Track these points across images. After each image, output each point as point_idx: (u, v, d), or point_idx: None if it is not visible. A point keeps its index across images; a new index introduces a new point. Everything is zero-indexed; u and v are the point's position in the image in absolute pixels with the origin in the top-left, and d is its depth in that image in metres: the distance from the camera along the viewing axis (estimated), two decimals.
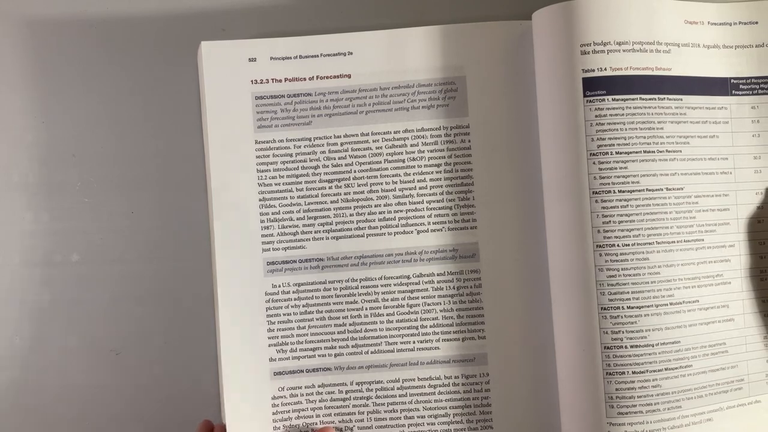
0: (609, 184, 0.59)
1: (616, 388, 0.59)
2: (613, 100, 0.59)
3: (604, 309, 0.59)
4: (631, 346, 0.59)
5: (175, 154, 0.66)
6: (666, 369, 0.59)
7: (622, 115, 0.59)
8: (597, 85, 0.59)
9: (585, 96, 0.59)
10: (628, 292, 0.59)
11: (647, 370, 0.59)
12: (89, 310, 0.65)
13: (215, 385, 0.64)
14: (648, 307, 0.59)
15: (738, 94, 0.62)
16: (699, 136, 0.61)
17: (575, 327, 0.59)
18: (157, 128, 0.66)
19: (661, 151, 0.60)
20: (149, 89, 0.66)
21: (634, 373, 0.59)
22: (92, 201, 0.66)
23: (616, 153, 0.59)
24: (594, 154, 0.59)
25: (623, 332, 0.59)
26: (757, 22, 0.63)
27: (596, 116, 0.59)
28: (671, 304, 0.59)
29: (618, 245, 0.59)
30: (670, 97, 0.60)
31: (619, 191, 0.59)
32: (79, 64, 0.66)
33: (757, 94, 0.62)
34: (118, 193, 0.66)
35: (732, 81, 0.62)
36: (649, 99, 0.60)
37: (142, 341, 0.65)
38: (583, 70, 0.59)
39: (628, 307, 0.59)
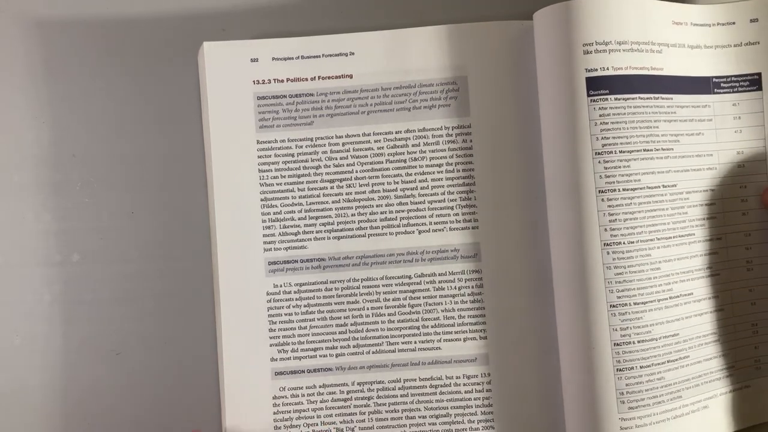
0: (614, 182, 0.59)
1: (626, 384, 0.59)
2: (615, 99, 0.60)
3: (613, 306, 0.59)
4: (638, 341, 0.59)
5: (175, 154, 0.66)
6: (668, 361, 0.60)
7: (624, 114, 0.60)
8: (600, 85, 0.60)
9: (589, 95, 0.59)
10: (633, 289, 0.60)
11: (652, 364, 0.60)
12: (89, 310, 0.65)
13: (215, 385, 0.64)
14: (651, 302, 0.60)
15: (720, 92, 0.63)
16: (687, 134, 0.62)
17: (584, 325, 0.60)
18: (158, 128, 0.66)
19: (657, 150, 0.61)
20: (149, 89, 0.66)
21: (641, 367, 0.60)
22: (92, 201, 0.65)
23: (620, 152, 0.60)
24: (599, 153, 0.59)
25: (631, 328, 0.59)
26: (734, 23, 0.64)
27: (600, 115, 0.60)
28: (670, 298, 0.60)
29: (624, 243, 0.59)
30: (663, 96, 0.61)
31: (623, 189, 0.60)
32: (79, 65, 0.66)
33: (737, 91, 0.64)
34: (118, 193, 0.66)
35: (714, 80, 0.63)
36: (646, 98, 0.61)
37: (142, 341, 0.65)
38: (586, 69, 0.60)
39: (635, 303, 0.59)
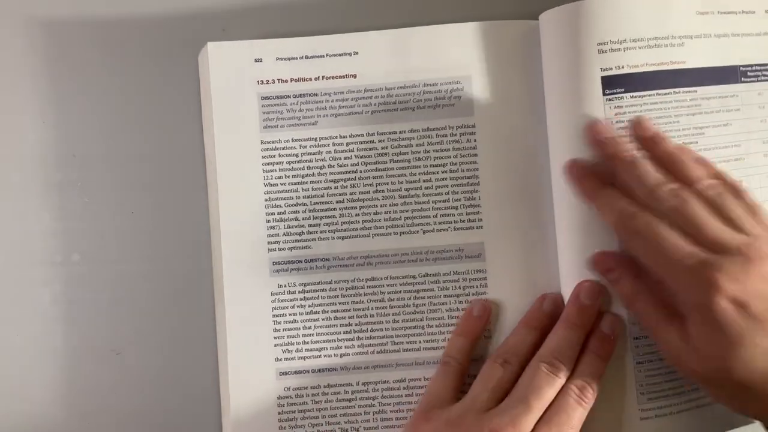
0: None
1: (646, 375, 0.60)
2: (631, 97, 0.60)
3: None
4: None
5: (175, 155, 0.66)
6: None
7: (640, 111, 0.60)
8: (615, 83, 0.60)
9: (604, 94, 0.60)
10: None
11: None
12: (89, 310, 0.65)
13: (215, 385, 0.64)
14: None
15: (746, 81, 0.62)
16: (713, 125, 0.61)
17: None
18: (158, 128, 0.66)
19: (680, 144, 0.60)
20: (149, 89, 0.66)
21: (659, 359, 0.60)
22: (92, 201, 0.65)
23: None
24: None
25: None
26: (754, 12, 0.63)
27: (616, 114, 0.60)
28: None
29: None
30: (685, 90, 0.61)
31: None
32: (79, 64, 0.66)
33: (761, 80, 0.63)
34: (118, 193, 0.66)
35: (741, 68, 0.62)
36: (665, 94, 0.60)
37: (142, 341, 0.65)
38: (601, 68, 0.60)
39: None
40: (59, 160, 0.66)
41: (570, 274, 0.61)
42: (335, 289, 0.63)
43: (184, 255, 0.65)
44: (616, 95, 0.60)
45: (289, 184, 0.63)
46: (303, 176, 0.63)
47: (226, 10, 0.66)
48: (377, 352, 0.63)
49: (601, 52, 0.60)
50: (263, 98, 0.63)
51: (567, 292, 0.61)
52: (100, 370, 0.65)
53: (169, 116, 0.66)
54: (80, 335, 0.65)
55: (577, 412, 0.56)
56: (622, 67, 0.60)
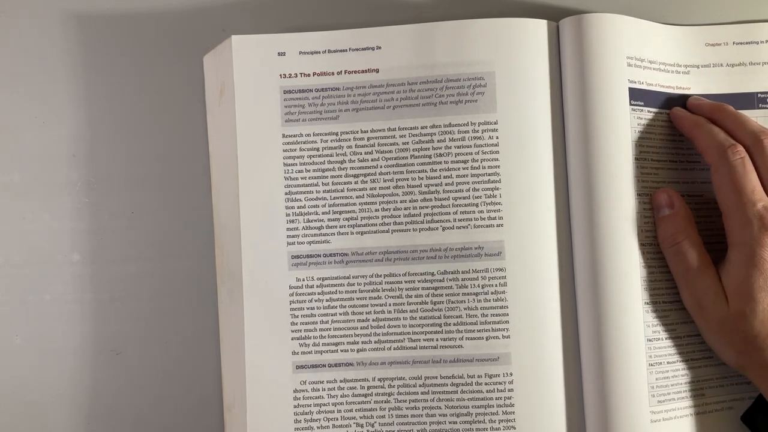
0: (647, 187, 0.62)
1: (656, 378, 0.61)
2: (648, 111, 0.63)
3: (647, 303, 0.61)
4: (666, 338, 0.62)
5: (176, 154, 0.66)
6: (691, 359, 0.62)
7: (654, 125, 0.63)
8: (638, 96, 0.63)
9: (630, 105, 0.62)
10: (662, 288, 0.62)
11: (677, 360, 0.62)
12: (89, 310, 0.65)
13: (216, 384, 0.64)
14: (677, 301, 0.62)
15: (764, 108, 0.65)
16: None
17: (617, 322, 0.61)
18: (158, 128, 0.66)
19: (682, 161, 0.64)
20: (150, 89, 0.66)
21: (668, 363, 0.62)
22: (92, 201, 0.66)
23: (651, 160, 0.63)
24: (637, 159, 0.62)
25: (660, 325, 0.62)
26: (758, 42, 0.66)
27: (638, 124, 0.62)
28: None
29: (655, 244, 0.62)
30: None
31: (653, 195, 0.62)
32: (79, 64, 0.66)
33: None
34: (118, 193, 0.66)
35: (759, 95, 0.65)
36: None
37: (142, 341, 0.65)
38: (629, 80, 0.62)
39: (663, 302, 0.62)
40: (59, 160, 0.66)
41: (590, 272, 0.61)
42: (353, 284, 0.63)
43: (184, 255, 0.65)
44: (638, 107, 0.63)
45: (309, 178, 0.63)
46: (323, 170, 0.63)
47: (227, 9, 0.66)
48: (394, 349, 0.62)
49: (629, 65, 0.63)
50: (285, 92, 0.63)
51: (585, 291, 0.62)
52: (100, 370, 0.65)
53: (169, 116, 0.66)
54: (80, 335, 0.65)
55: None
56: (642, 83, 0.63)
